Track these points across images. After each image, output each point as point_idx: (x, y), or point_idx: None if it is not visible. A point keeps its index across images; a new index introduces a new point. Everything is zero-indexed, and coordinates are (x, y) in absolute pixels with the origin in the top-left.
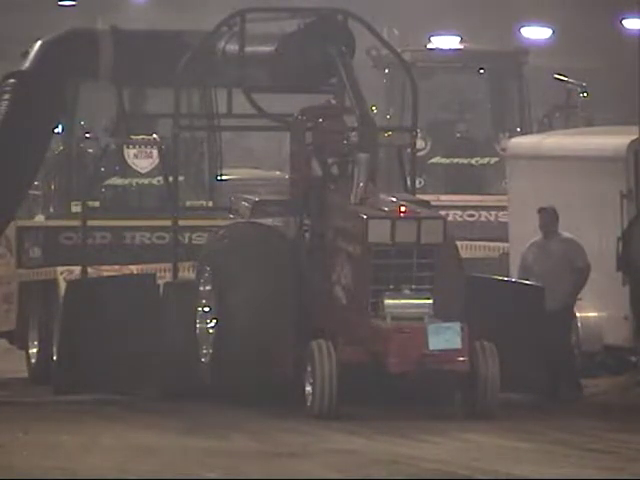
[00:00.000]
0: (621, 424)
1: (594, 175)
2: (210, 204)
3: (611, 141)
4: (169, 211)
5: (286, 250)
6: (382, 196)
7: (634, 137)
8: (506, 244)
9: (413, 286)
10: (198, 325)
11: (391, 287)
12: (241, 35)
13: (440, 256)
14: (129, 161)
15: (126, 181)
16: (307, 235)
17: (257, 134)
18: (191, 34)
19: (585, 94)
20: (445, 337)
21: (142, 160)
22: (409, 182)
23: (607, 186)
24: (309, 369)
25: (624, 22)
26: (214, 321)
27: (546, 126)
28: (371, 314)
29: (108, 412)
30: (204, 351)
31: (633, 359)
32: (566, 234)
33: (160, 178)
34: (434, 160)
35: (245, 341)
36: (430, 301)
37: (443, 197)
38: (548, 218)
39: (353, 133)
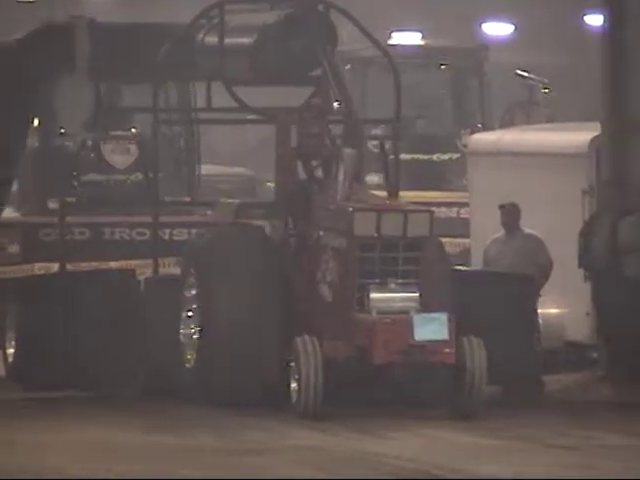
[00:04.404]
0: (583, 420)
1: (556, 171)
2: (188, 199)
3: (573, 137)
4: (149, 206)
5: (272, 253)
6: (368, 193)
7: (596, 133)
8: (467, 240)
9: (399, 280)
10: (182, 331)
11: (377, 281)
12: (220, 27)
13: (426, 249)
14: (106, 157)
15: (103, 177)
16: (292, 237)
17: (220, 130)
18: (169, 26)
19: (547, 90)
20: (432, 328)
21: (119, 156)
22: (392, 175)
23: (569, 182)
24: (293, 365)
25: (586, 18)
26: (199, 326)
27: (508, 122)
28: (356, 308)
29: (76, 409)
30: (188, 356)
31: (594, 355)
32: (528, 230)
33: (139, 174)
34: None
35: (231, 346)
36: (416, 294)
37: (404, 193)
38: (509, 214)
39: (338, 128)
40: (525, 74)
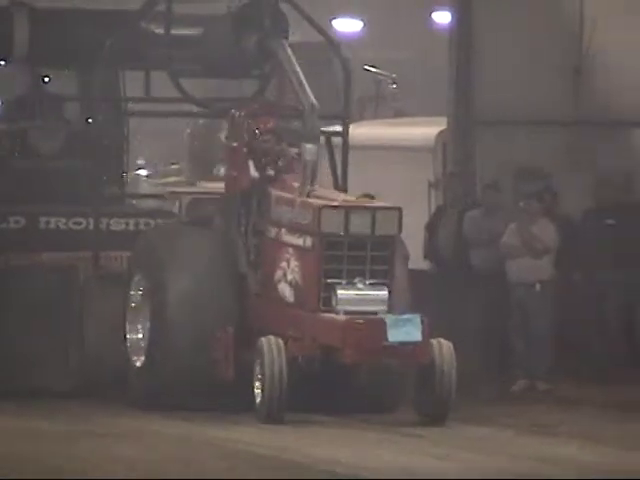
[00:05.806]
0: (469, 415)
1: (403, 165)
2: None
3: (420, 131)
4: (90, 198)
5: (223, 250)
6: (326, 190)
7: (442, 128)
8: None
9: (367, 280)
10: (129, 335)
11: (344, 281)
12: (167, 16)
13: (394, 248)
14: (34, 143)
15: (30, 164)
16: (245, 234)
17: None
18: (114, 14)
19: (395, 85)
20: (405, 329)
21: (48, 142)
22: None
23: (416, 176)
24: (257, 367)
25: (434, 15)
26: (147, 328)
27: (357, 117)
28: (323, 308)
29: None
30: (135, 358)
31: None
32: None
33: (68, 161)
34: None
35: (181, 346)
36: (385, 294)
37: None
38: None
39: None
40: (373, 69)
